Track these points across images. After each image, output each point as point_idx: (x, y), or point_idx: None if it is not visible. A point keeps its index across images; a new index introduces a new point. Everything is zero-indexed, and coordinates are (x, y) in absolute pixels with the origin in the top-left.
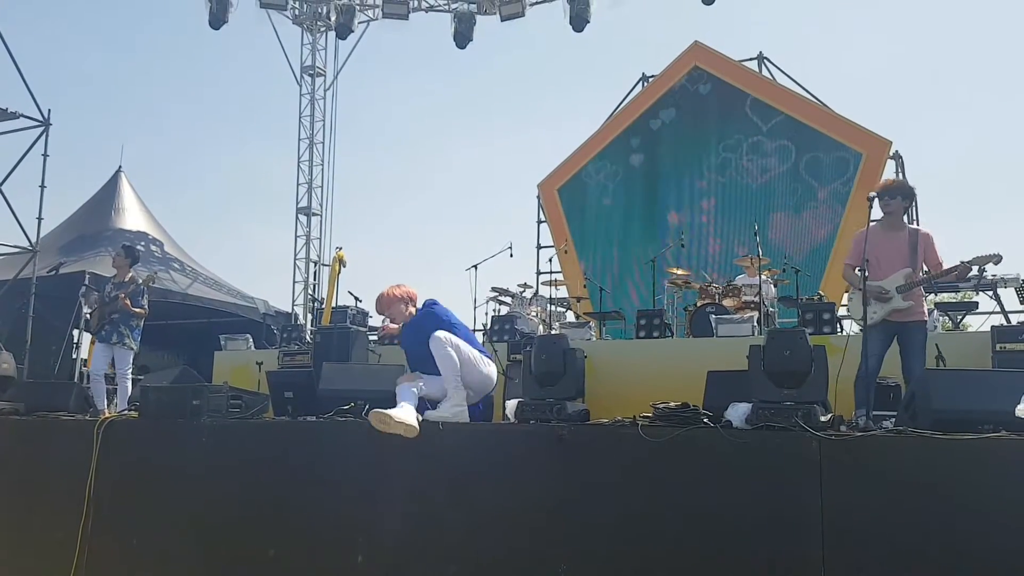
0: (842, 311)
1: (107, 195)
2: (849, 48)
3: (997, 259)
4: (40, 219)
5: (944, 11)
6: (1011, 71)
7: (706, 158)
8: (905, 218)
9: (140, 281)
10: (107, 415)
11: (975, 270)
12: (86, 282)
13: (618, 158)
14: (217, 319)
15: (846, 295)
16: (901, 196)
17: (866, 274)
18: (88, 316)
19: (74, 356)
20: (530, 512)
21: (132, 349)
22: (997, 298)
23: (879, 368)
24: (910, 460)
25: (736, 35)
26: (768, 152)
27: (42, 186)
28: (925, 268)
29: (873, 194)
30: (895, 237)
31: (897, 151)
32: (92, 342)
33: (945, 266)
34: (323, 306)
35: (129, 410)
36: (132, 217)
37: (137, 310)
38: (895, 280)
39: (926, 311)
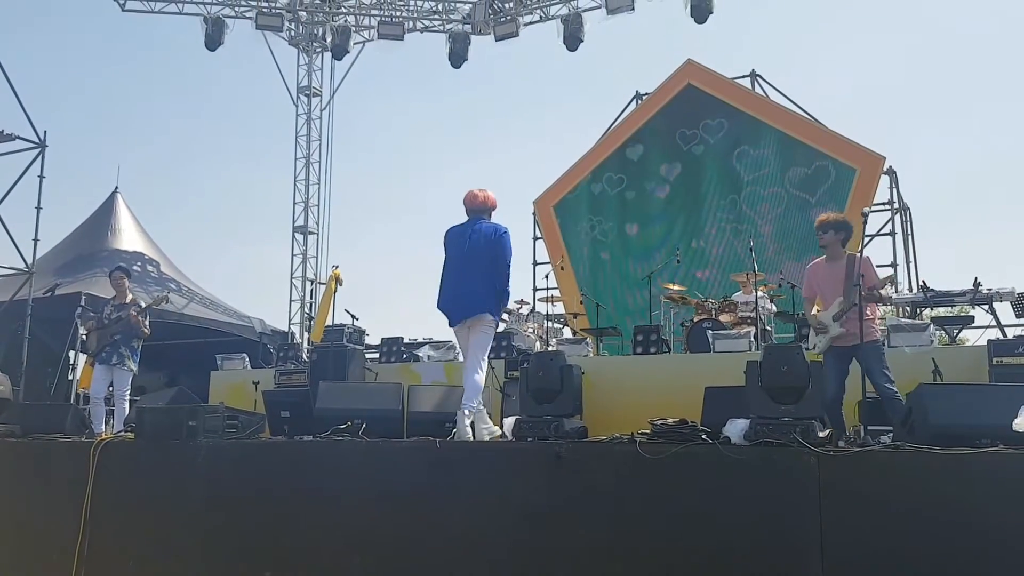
0: None
1: (103, 216)
2: (842, 65)
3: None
4: (36, 240)
5: (941, 19)
6: (1007, 82)
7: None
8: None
9: (143, 303)
10: (103, 437)
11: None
12: (82, 303)
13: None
14: (213, 339)
15: None
16: (834, 230)
17: (862, 291)
18: (84, 337)
19: (70, 378)
20: (528, 530)
21: (132, 371)
22: (993, 312)
23: (843, 390)
24: (908, 475)
25: (729, 53)
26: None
27: (38, 207)
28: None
29: (866, 209)
30: (833, 268)
31: (891, 166)
32: (89, 364)
33: (880, 285)
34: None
35: (125, 431)
36: (128, 237)
37: (147, 331)
38: (832, 310)
39: (876, 331)
